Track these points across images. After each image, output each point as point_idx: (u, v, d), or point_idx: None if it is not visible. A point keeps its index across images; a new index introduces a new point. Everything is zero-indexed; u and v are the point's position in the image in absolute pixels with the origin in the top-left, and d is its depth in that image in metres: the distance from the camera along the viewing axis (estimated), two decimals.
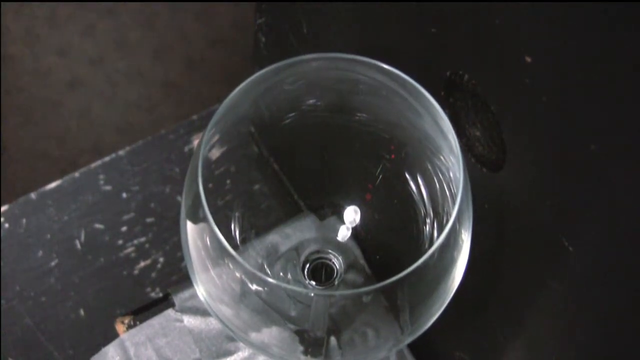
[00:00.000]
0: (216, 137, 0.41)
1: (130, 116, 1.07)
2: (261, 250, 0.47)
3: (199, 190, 0.38)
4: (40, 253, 0.60)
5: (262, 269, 0.47)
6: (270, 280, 0.39)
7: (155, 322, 0.52)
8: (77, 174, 0.63)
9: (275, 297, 0.41)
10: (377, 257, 0.48)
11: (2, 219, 0.61)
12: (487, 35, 0.39)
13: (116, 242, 0.61)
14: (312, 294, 0.42)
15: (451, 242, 0.38)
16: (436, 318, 0.41)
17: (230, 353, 0.51)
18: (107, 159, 0.63)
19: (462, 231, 0.39)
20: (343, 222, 0.48)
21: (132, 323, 0.53)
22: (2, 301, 0.58)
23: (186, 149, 0.64)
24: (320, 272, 0.47)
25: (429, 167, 0.43)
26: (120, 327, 0.53)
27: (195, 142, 0.64)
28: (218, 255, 0.39)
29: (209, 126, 0.39)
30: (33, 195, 0.62)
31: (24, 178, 1.03)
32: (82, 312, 0.59)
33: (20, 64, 1.09)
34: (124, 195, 0.62)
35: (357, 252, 0.48)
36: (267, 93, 0.42)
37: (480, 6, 0.38)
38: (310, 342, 0.42)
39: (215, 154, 0.43)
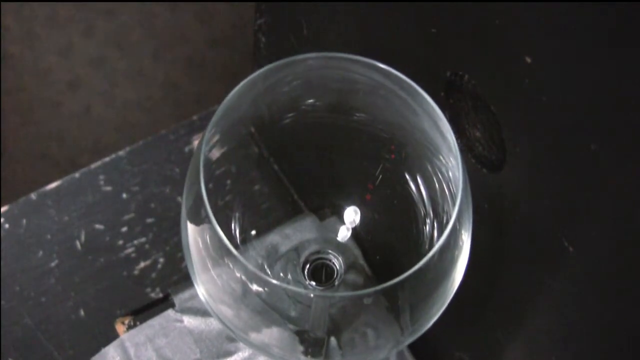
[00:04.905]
0: (216, 137, 0.41)
1: (130, 116, 1.07)
2: (261, 251, 0.47)
3: (201, 191, 0.38)
4: (40, 253, 0.60)
5: (262, 270, 0.47)
6: (271, 280, 0.39)
7: (156, 323, 0.52)
8: (77, 174, 0.63)
9: (276, 298, 0.41)
10: (377, 257, 0.48)
11: (2, 219, 0.61)
12: (487, 35, 0.39)
13: (116, 242, 0.61)
14: (312, 295, 0.42)
15: (451, 242, 0.38)
16: (436, 318, 0.41)
17: (230, 353, 0.51)
18: (107, 159, 0.63)
19: (462, 231, 0.39)
20: (343, 223, 0.47)
21: (132, 323, 0.53)
22: (2, 301, 0.58)
23: (186, 149, 0.64)
24: (321, 272, 0.47)
25: (429, 168, 0.43)
26: (120, 328, 0.53)
27: (195, 143, 0.64)
28: (218, 255, 0.39)
29: (209, 126, 0.39)
30: (33, 195, 0.62)
31: (24, 178, 1.03)
32: (82, 312, 0.59)
33: (20, 64, 1.09)
34: (124, 195, 0.62)
35: (357, 252, 0.48)
36: (267, 93, 0.42)
37: (480, 6, 0.38)
38: (310, 342, 0.42)
39: (215, 154, 0.43)
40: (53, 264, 0.60)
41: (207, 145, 0.40)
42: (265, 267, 0.47)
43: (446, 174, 0.42)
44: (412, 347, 0.53)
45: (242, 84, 0.40)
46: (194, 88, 1.09)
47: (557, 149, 0.38)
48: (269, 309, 0.41)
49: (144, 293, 0.59)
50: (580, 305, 0.40)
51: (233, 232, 0.46)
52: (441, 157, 0.42)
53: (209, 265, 0.40)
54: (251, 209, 0.48)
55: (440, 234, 0.43)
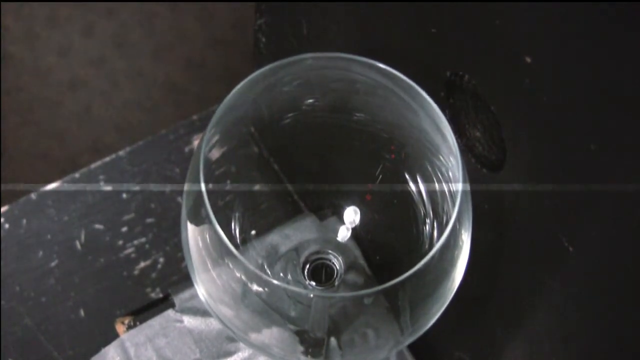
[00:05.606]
0: (216, 137, 0.41)
1: (130, 116, 1.07)
2: (261, 251, 0.47)
3: (201, 191, 0.38)
4: (40, 253, 0.60)
5: (262, 270, 0.47)
6: (271, 280, 0.39)
7: (156, 323, 0.52)
8: (77, 174, 0.63)
9: (276, 298, 0.41)
10: (377, 257, 0.48)
11: (2, 219, 0.61)
12: (487, 35, 0.39)
13: (116, 242, 0.61)
14: (312, 295, 0.42)
15: (451, 242, 0.38)
16: (436, 318, 0.41)
17: (230, 353, 0.51)
18: (107, 159, 0.63)
19: (462, 232, 0.39)
20: (343, 223, 0.47)
21: (132, 323, 0.53)
22: (2, 301, 0.58)
23: (186, 149, 0.64)
24: (320, 272, 0.47)
25: (429, 167, 0.43)
26: (120, 328, 0.53)
27: (196, 142, 0.64)
28: (218, 255, 0.39)
29: (209, 126, 0.39)
30: (33, 195, 0.62)
31: (24, 178, 1.03)
32: (82, 312, 0.59)
33: (20, 64, 1.09)
34: (124, 195, 0.62)
35: (357, 252, 0.48)
36: (267, 93, 0.42)
37: (480, 6, 0.38)
38: (310, 342, 0.42)
39: (216, 154, 0.43)
40: (53, 264, 0.60)
41: (207, 145, 0.40)
42: (265, 267, 0.47)
43: (446, 174, 0.42)
44: (412, 347, 0.53)
45: (242, 83, 0.40)
46: (194, 88, 1.09)
47: (557, 149, 0.38)
48: (269, 309, 0.41)
49: (144, 293, 0.59)
50: (580, 305, 0.40)
51: (233, 232, 0.46)
52: (441, 157, 0.42)
53: (209, 266, 0.40)
54: (251, 209, 0.48)
55: (440, 233, 0.43)
